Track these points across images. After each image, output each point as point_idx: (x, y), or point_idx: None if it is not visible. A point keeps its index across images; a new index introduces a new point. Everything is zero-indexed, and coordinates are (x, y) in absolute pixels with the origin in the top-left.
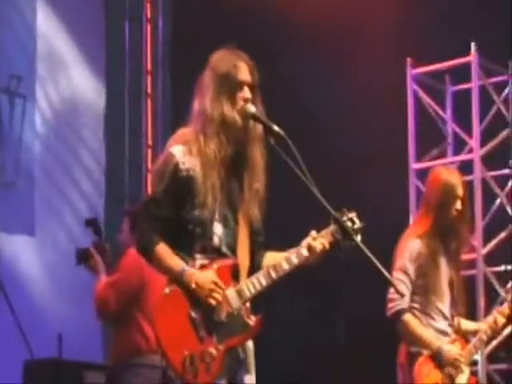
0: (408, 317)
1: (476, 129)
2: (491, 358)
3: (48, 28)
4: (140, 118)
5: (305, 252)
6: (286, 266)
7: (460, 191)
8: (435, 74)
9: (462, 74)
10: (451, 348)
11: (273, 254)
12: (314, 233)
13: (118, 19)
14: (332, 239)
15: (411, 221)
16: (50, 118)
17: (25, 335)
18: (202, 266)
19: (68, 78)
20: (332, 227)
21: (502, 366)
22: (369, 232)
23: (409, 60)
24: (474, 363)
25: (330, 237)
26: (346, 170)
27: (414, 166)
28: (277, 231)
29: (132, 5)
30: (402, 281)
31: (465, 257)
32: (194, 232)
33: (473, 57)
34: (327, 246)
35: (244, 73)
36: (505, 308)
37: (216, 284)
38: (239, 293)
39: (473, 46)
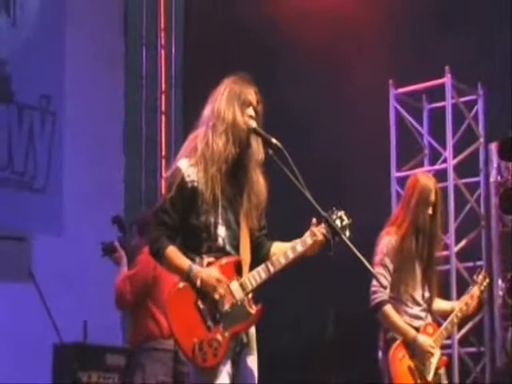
0: (388, 308)
1: (449, 142)
2: (462, 341)
3: (74, 52)
4: (155, 132)
5: (309, 240)
6: (282, 260)
7: (433, 197)
8: (413, 94)
9: (437, 93)
10: (425, 340)
11: (279, 244)
12: (314, 220)
13: (135, 45)
14: (323, 237)
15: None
16: (75, 132)
17: (54, 322)
18: (209, 263)
19: (92, 96)
20: (323, 225)
21: (472, 350)
22: (355, 232)
23: (391, 81)
24: (446, 347)
25: (324, 231)
26: (334, 177)
27: (396, 174)
28: (274, 227)
29: (148, 33)
30: (381, 274)
31: (439, 254)
32: (200, 235)
33: (447, 79)
34: (326, 234)
35: (252, 96)
36: (475, 291)
37: (218, 280)
38: (242, 285)
39: (447, 69)
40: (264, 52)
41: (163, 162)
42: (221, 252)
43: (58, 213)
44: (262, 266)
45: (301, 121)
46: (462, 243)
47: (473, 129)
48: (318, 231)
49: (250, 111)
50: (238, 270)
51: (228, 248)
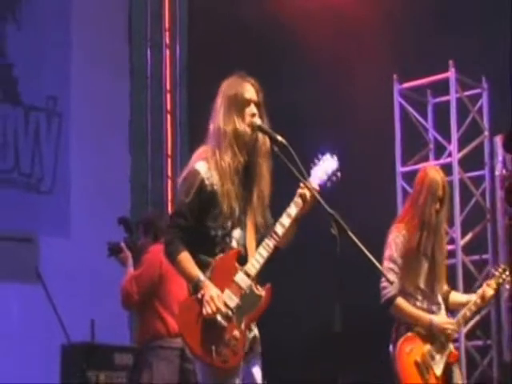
0: (399, 300)
1: (454, 136)
2: (469, 335)
3: (80, 54)
4: (161, 132)
5: (298, 200)
6: (279, 229)
7: (440, 192)
8: (418, 89)
9: (442, 88)
10: (441, 319)
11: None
12: (301, 184)
13: (140, 46)
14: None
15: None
16: (82, 133)
17: (62, 322)
18: (207, 263)
19: (97, 97)
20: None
21: (479, 343)
22: (360, 227)
23: (395, 76)
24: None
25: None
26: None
27: (401, 169)
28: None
29: (152, 33)
30: (391, 269)
31: (445, 247)
32: (215, 237)
33: (451, 73)
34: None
35: (250, 92)
36: (492, 282)
37: (212, 299)
38: (246, 272)
39: (451, 63)
40: (267, 51)
41: (169, 161)
42: (226, 253)
43: (65, 214)
44: (261, 244)
45: (305, 118)
46: (468, 237)
47: (477, 122)
48: (305, 189)
49: (251, 109)
50: (241, 260)
51: (240, 249)
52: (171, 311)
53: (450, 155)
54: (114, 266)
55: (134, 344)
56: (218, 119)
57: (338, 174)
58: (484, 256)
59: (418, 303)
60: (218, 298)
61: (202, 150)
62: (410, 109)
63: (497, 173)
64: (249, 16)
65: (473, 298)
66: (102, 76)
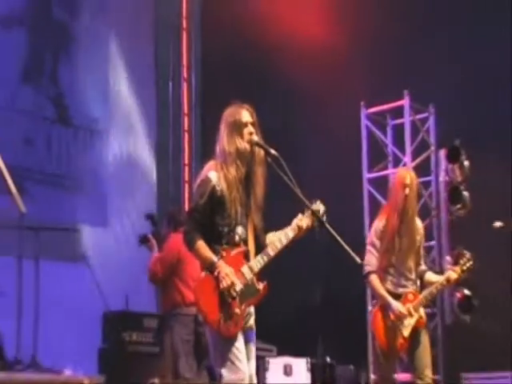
0: (373, 277)
1: (408, 149)
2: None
3: (116, 83)
4: (180, 146)
5: (296, 228)
6: (278, 245)
7: (407, 180)
8: (380, 113)
9: (398, 112)
10: (397, 305)
11: (270, 235)
12: (300, 216)
13: (164, 79)
14: (310, 224)
15: (365, 215)
16: (118, 147)
17: (103, 294)
18: (223, 254)
19: (130, 120)
20: (305, 215)
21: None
22: (334, 220)
23: (362, 103)
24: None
25: (309, 220)
26: (318, 180)
27: (367, 175)
28: (271, 218)
29: (174, 69)
30: (369, 251)
31: (419, 231)
32: (222, 232)
33: (405, 101)
34: (309, 224)
35: (246, 116)
36: (457, 268)
37: (227, 275)
38: (250, 267)
39: (405, 93)
40: (259, 82)
41: (186, 169)
42: (236, 245)
43: (104, 210)
44: (263, 251)
45: (291, 136)
46: None
47: (426, 139)
48: (302, 220)
49: (249, 129)
50: (247, 257)
51: (241, 243)
52: (187, 286)
53: (404, 165)
54: (143, 251)
55: (159, 311)
56: (223, 142)
57: (328, 226)
58: (430, 243)
59: (390, 277)
60: (232, 274)
61: (212, 164)
62: (374, 129)
63: (441, 179)
64: (245, 56)
65: (440, 279)
66: (134, 101)
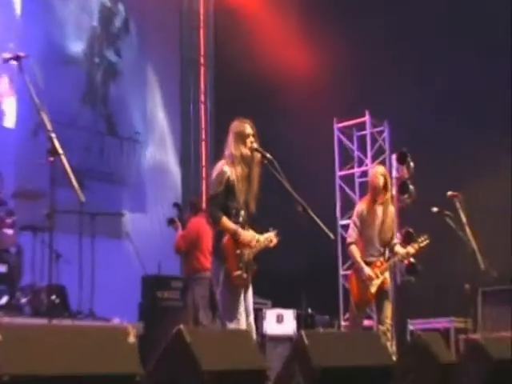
0: (352, 247)
1: (369, 154)
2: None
3: (151, 105)
4: (198, 152)
5: (266, 242)
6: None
7: (382, 170)
8: (348, 126)
9: (361, 126)
10: (367, 269)
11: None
12: (271, 233)
13: (187, 102)
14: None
15: (337, 202)
16: (153, 155)
17: (142, 262)
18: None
19: (162, 134)
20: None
21: None
22: (313, 209)
23: (335, 119)
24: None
25: (274, 239)
26: (300, 178)
27: (338, 173)
28: (265, 209)
29: (194, 94)
30: (352, 227)
31: (391, 212)
32: (231, 213)
33: (367, 117)
34: (274, 241)
35: (248, 129)
36: (415, 245)
37: (250, 240)
38: (258, 241)
39: (367, 112)
40: (259, 102)
41: (203, 170)
42: (239, 224)
43: (142, 200)
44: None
45: (285, 145)
46: None
47: (382, 146)
48: (271, 238)
49: (251, 139)
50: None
51: (244, 222)
52: (204, 256)
53: (366, 165)
54: (170, 230)
55: (183, 275)
56: (231, 147)
57: (311, 214)
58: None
59: (369, 249)
60: (254, 239)
61: (224, 161)
62: (343, 138)
63: (393, 176)
64: (249, 83)
65: (403, 252)
66: (165, 120)
